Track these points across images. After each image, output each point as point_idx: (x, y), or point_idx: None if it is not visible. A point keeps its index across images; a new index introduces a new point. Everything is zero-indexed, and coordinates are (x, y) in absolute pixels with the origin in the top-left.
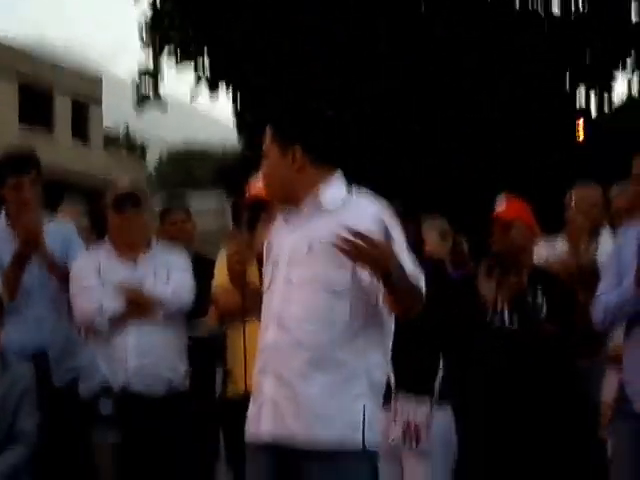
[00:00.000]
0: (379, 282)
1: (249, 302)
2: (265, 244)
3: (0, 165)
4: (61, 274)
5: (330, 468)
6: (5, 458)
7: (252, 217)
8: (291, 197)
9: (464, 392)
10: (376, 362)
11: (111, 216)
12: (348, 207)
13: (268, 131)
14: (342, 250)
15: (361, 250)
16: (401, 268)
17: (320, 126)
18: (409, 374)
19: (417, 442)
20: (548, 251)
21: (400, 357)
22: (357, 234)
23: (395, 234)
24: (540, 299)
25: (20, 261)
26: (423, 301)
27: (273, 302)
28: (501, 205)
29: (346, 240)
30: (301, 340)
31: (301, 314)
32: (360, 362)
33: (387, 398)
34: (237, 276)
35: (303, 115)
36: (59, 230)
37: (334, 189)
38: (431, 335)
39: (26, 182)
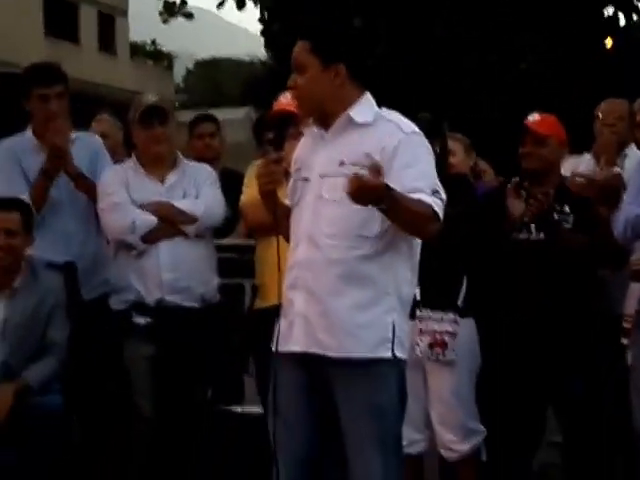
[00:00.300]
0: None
1: (280, 221)
2: (292, 160)
3: (26, 77)
4: (89, 188)
5: (361, 375)
6: (36, 369)
7: (279, 134)
8: (325, 113)
9: (488, 305)
10: (404, 277)
11: (137, 131)
12: (378, 123)
13: (305, 45)
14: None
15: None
16: (394, 199)
17: (362, 45)
18: (434, 289)
19: (443, 353)
20: (573, 167)
21: (426, 272)
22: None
23: (420, 152)
24: (566, 212)
25: (47, 175)
26: (436, 223)
27: (303, 218)
28: (535, 120)
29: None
30: (332, 256)
31: (332, 230)
32: (389, 277)
33: (413, 311)
34: (268, 197)
35: (350, 33)
36: (86, 144)
37: (366, 106)
38: (456, 250)
39: (52, 94)
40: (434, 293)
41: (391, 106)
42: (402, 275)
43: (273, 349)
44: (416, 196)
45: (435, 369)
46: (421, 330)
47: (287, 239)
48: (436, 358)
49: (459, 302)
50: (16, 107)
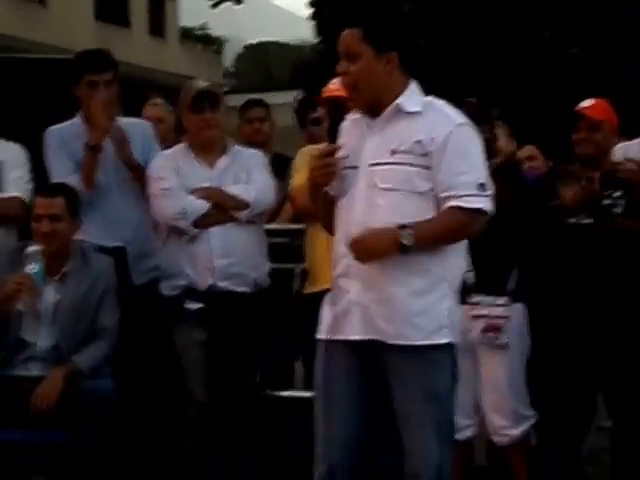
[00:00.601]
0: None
1: (326, 211)
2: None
3: (76, 63)
4: (139, 173)
5: (417, 360)
6: (87, 353)
7: (334, 124)
8: (376, 101)
9: (538, 289)
10: (455, 263)
11: (187, 117)
12: (427, 112)
13: (356, 33)
14: None
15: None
16: (418, 236)
17: (411, 33)
18: (487, 274)
19: (496, 337)
20: (624, 152)
21: (478, 257)
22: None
23: (469, 144)
24: (617, 197)
25: (91, 150)
26: (477, 221)
27: (355, 207)
28: (589, 105)
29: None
30: None
31: (389, 218)
32: (443, 263)
33: (465, 296)
34: (319, 188)
35: (402, 22)
36: (138, 131)
37: (414, 95)
38: (508, 236)
39: (101, 81)
40: (486, 278)
41: None
42: (453, 261)
43: (322, 336)
44: (448, 204)
45: (487, 354)
46: (474, 315)
47: (329, 229)
48: (490, 342)
49: (510, 287)
50: (67, 93)
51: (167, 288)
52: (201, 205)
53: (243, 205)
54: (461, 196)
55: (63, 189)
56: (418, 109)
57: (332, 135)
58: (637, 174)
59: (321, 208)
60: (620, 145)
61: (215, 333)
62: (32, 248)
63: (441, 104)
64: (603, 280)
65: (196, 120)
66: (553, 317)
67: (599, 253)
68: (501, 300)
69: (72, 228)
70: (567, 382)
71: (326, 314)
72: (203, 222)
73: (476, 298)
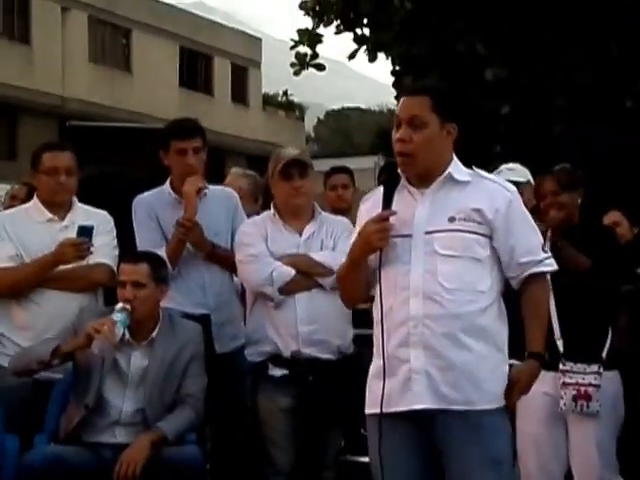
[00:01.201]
0: None
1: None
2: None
3: (165, 131)
4: (221, 258)
5: (481, 426)
6: (173, 419)
7: (390, 189)
8: (428, 171)
9: (632, 357)
10: (505, 325)
11: (277, 184)
12: (475, 181)
13: (425, 101)
14: None
15: None
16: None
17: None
18: (578, 341)
19: (587, 405)
20: None
21: (569, 324)
22: None
23: (525, 211)
24: None
25: (183, 228)
26: (547, 283)
27: (412, 274)
28: None
29: None
30: (453, 310)
31: (453, 285)
32: (498, 327)
33: (556, 364)
34: (370, 253)
35: (466, 96)
36: (222, 199)
37: (459, 165)
38: (602, 302)
39: (190, 148)
40: (578, 345)
41: None
42: (504, 324)
43: (374, 410)
44: (530, 271)
45: (578, 421)
46: (564, 383)
47: (353, 297)
48: (580, 410)
49: (603, 354)
50: (155, 161)
51: (252, 354)
52: (287, 272)
53: (328, 272)
54: (541, 260)
55: (147, 256)
56: (467, 179)
57: (387, 201)
58: None
59: (356, 275)
60: None
61: (299, 400)
62: (120, 305)
63: (486, 174)
64: None
65: (286, 187)
66: None
67: None
68: (593, 368)
69: (157, 294)
70: None
71: (378, 387)
72: (289, 288)
73: (567, 365)
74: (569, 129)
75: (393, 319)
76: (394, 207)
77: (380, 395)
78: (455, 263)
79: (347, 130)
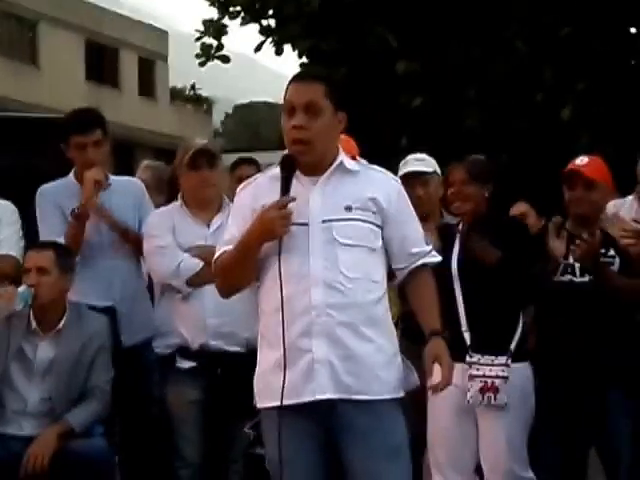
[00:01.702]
0: None
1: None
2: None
3: (65, 124)
4: (134, 239)
5: (380, 416)
6: (80, 412)
7: (288, 177)
8: (323, 158)
9: (539, 349)
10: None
11: (185, 175)
12: (364, 171)
13: (320, 87)
14: None
15: None
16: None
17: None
18: (486, 333)
19: (494, 397)
20: (615, 210)
21: (477, 316)
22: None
23: (407, 203)
24: (611, 255)
25: (78, 220)
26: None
27: (312, 263)
28: (584, 163)
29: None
30: (355, 299)
31: (353, 274)
32: (389, 318)
33: (462, 356)
34: (270, 240)
35: (357, 86)
36: (128, 190)
37: (346, 155)
38: (511, 293)
39: (89, 142)
40: (485, 337)
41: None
42: (390, 315)
43: (272, 403)
44: (419, 262)
45: (486, 413)
46: (471, 375)
47: (236, 283)
48: (487, 402)
49: (512, 346)
50: (59, 152)
51: (160, 347)
52: (195, 263)
53: None
54: (427, 253)
55: (53, 244)
56: (357, 168)
57: (285, 188)
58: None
59: (246, 263)
60: (612, 202)
61: (207, 392)
62: (24, 286)
63: (372, 167)
64: (596, 338)
65: (194, 178)
66: (551, 377)
67: (595, 312)
68: (500, 360)
69: (62, 283)
70: (560, 441)
71: (276, 379)
72: (196, 280)
73: (474, 357)
74: (480, 122)
75: (292, 309)
76: (294, 194)
77: (280, 387)
78: (354, 252)
79: (255, 124)
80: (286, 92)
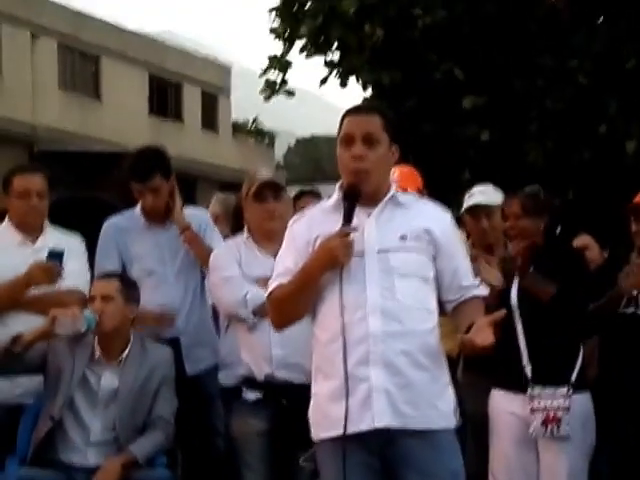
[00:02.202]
0: None
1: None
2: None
3: (125, 169)
4: (190, 234)
5: (437, 445)
6: (143, 442)
7: (350, 206)
8: (378, 189)
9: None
10: None
11: (251, 206)
12: (413, 205)
13: (377, 120)
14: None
15: None
16: None
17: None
18: (547, 365)
19: (557, 428)
20: None
21: (538, 348)
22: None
23: (457, 236)
24: None
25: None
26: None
27: (369, 291)
28: None
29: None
30: (411, 327)
31: (409, 302)
32: (441, 348)
33: (524, 388)
34: (333, 269)
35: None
36: (195, 218)
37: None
38: (571, 325)
39: (147, 190)
40: (546, 370)
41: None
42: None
43: (330, 434)
44: (470, 294)
45: (548, 444)
46: (533, 409)
47: (299, 317)
48: (550, 434)
49: (573, 377)
50: (125, 186)
51: (225, 377)
52: (261, 294)
53: None
54: (477, 285)
55: (120, 274)
56: (408, 201)
57: (348, 216)
58: None
59: (306, 293)
60: None
61: (273, 423)
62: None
63: (423, 200)
64: None
65: (259, 210)
66: (613, 409)
67: None
68: (561, 391)
69: (126, 312)
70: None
71: (337, 408)
72: (263, 311)
73: (535, 390)
74: (543, 156)
75: (349, 337)
76: (340, 226)
77: (338, 416)
78: (410, 281)
79: (316, 158)
80: (342, 124)
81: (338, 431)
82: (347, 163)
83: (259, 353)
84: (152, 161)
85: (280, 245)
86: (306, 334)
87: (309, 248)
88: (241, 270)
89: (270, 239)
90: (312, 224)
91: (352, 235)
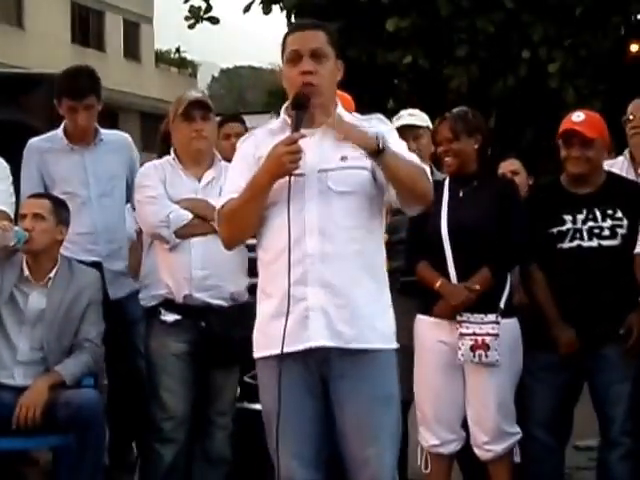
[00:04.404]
0: (373, 160)
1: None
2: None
3: (58, 84)
4: None
5: (374, 366)
6: (70, 363)
7: (298, 115)
8: (326, 105)
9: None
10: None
11: (179, 126)
12: (362, 125)
13: (323, 35)
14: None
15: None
16: (392, 151)
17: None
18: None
19: (485, 354)
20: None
21: (468, 275)
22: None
23: (398, 140)
24: (618, 217)
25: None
26: (430, 184)
27: (307, 212)
28: (580, 119)
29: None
30: (351, 248)
31: (348, 222)
32: (384, 268)
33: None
34: (281, 177)
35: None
36: (117, 146)
37: (342, 108)
38: (499, 252)
39: (81, 107)
40: (478, 295)
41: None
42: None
43: (269, 352)
44: (397, 150)
45: (475, 370)
46: (462, 333)
47: (241, 230)
48: (479, 360)
49: (501, 303)
50: (47, 108)
51: (145, 298)
52: (184, 214)
53: None
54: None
55: (51, 195)
56: (354, 120)
57: (297, 124)
58: None
59: (254, 208)
60: (604, 163)
61: (191, 345)
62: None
63: (373, 118)
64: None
65: (187, 130)
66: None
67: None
68: (490, 317)
69: (56, 232)
70: (548, 398)
71: (272, 328)
72: (184, 232)
73: (464, 316)
74: (467, 82)
75: (291, 257)
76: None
77: (277, 335)
78: (349, 200)
79: (240, 88)
80: (286, 42)
81: (276, 350)
82: (296, 79)
83: (179, 274)
84: (88, 80)
85: (206, 168)
86: (229, 257)
87: (256, 166)
88: (166, 191)
89: (196, 160)
90: (259, 144)
91: (299, 142)
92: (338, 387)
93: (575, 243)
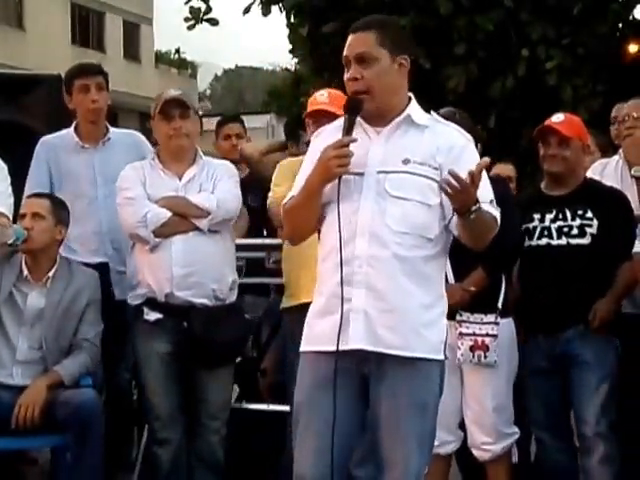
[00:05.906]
0: (457, 215)
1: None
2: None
3: (68, 73)
4: None
5: (414, 374)
6: (69, 363)
7: (351, 119)
8: (389, 107)
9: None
10: (443, 280)
11: (157, 124)
12: (435, 127)
13: (369, 36)
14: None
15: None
16: (482, 210)
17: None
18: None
19: (484, 355)
20: (601, 170)
21: (465, 275)
22: (455, 177)
23: (472, 159)
24: (589, 217)
25: None
26: (497, 228)
27: (361, 213)
28: (559, 120)
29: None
30: (400, 253)
31: (400, 227)
32: (442, 280)
33: (452, 314)
34: (329, 180)
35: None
36: (129, 143)
37: (418, 108)
38: (495, 253)
39: (93, 84)
40: (473, 295)
41: None
42: (443, 279)
43: (310, 348)
44: (485, 207)
45: (474, 370)
46: (461, 333)
47: (299, 232)
48: (478, 361)
49: (499, 304)
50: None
51: (131, 297)
52: (161, 213)
53: (205, 213)
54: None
55: (50, 195)
56: (426, 123)
57: (348, 129)
58: None
59: (309, 207)
60: (599, 162)
61: (174, 345)
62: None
63: (445, 122)
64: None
65: (165, 128)
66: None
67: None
68: (489, 318)
69: (55, 232)
70: (543, 400)
71: (315, 325)
72: (164, 231)
73: (464, 316)
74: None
75: (337, 257)
76: (356, 144)
77: (321, 333)
78: (404, 206)
79: (240, 88)
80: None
81: (317, 347)
82: (347, 84)
83: (160, 272)
84: (97, 65)
85: (187, 165)
86: (211, 254)
87: None
88: (145, 191)
89: (177, 158)
90: (327, 138)
91: (351, 147)
92: (375, 388)
93: (544, 241)
